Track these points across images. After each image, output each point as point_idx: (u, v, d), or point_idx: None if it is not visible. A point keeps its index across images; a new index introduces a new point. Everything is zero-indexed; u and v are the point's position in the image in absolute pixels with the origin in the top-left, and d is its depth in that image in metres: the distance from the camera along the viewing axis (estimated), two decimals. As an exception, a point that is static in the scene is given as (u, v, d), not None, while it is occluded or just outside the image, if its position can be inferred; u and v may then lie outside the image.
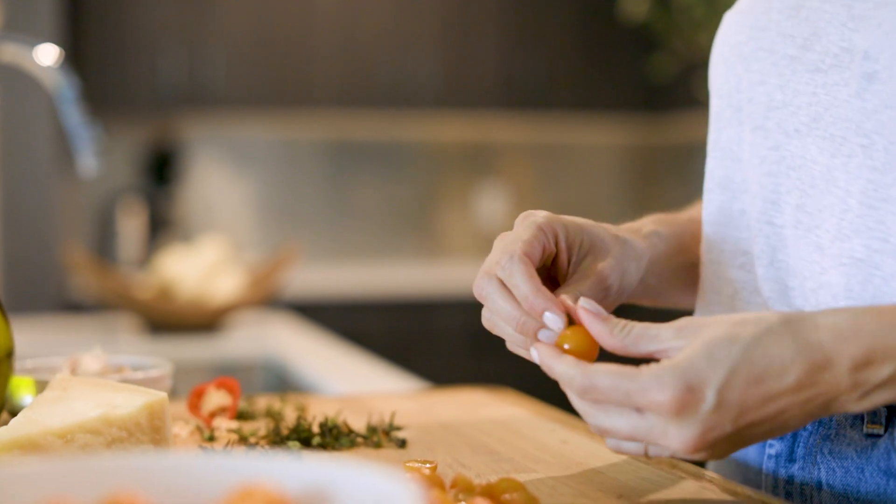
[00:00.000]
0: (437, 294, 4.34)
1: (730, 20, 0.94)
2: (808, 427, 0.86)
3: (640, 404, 0.71)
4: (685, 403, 0.70)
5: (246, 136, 4.78)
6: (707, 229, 0.94)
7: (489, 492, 0.70)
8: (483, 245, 5.03)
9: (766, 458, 0.89)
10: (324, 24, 4.51)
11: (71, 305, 3.82)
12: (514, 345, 0.83)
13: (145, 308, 2.36)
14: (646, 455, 0.73)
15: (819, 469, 0.85)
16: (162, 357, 1.13)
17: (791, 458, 0.87)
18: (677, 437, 0.71)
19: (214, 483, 0.52)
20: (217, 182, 4.77)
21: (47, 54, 1.75)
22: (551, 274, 0.87)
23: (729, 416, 0.71)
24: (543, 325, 0.78)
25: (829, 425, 0.85)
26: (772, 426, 0.73)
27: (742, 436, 0.72)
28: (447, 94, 4.65)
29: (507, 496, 0.70)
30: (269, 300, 2.81)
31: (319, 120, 4.62)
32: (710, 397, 0.70)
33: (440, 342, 4.33)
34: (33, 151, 3.76)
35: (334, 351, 2.22)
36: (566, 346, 0.76)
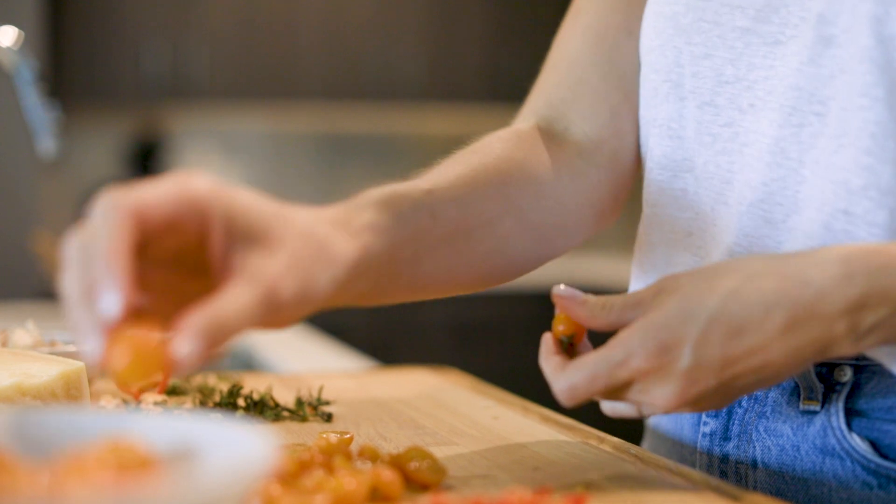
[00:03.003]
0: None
1: None
2: (744, 404, 0.84)
3: (624, 378, 0.69)
4: (661, 365, 0.68)
5: (231, 128, 4.76)
6: (647, 211, 0.90)
7: (396, 461, 0.69)
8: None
9: (700, 435, 0.88)
10: (309, 15, 4.49)
11: (52, 294, 3.80)
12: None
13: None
14: (640, 413, 0.72)
15: (754, 447, 0.83)
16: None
17: (726, 437, 0.85)
18: (660, 397, 0.69)
19: (81, 438, 0.51)
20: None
21: (6, 36, 1.73)
22: (198, 265, 0.64)
23: (711, 370, 0.68)
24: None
25: (764, 402, 0.83)
26: (761, 376, 0.69)
27: (731, 387, 0.70)
28: (433, 86, 4.64)
29: (413, 465, 0.69)
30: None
31: (305, 112, 4.60)
32: (686, 355, 0.68)
33: (424, 336, 4.32)
34: (17, 139, 3.74)
35: (301, 338, 2.21)
36: (560, 328, 0.75)
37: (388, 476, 0.65)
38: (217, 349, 0.59)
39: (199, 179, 0.62)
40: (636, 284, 0.94)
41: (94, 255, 0.58)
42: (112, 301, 0.56)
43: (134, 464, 0.48)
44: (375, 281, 0.72)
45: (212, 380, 1.08)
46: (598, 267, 4.36)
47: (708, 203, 0.85)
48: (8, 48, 1.71)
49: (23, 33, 1.76)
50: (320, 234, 0.67)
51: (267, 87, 4.47)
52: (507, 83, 4.68)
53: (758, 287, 0.68)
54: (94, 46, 4.30)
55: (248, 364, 2.13)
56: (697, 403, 0.70)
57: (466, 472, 0.73)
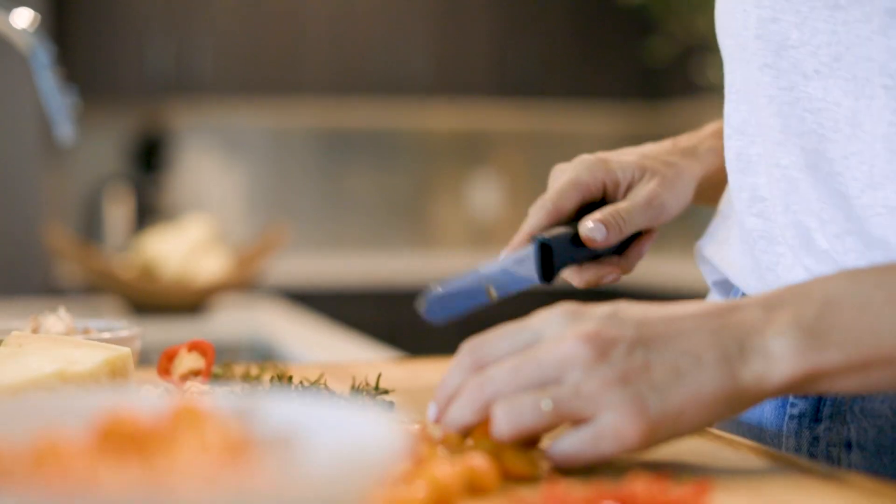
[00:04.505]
0: (429, 284, 4.27)
1: None
2: None
3: (533, 327, 0.65)
4: (578, 312, 0.64)
5: (235, 123, 4.70)
6: (729, 177, 0.88)
7: (489, 451, 0.63)
8: (476, 234, 4.96)
9: (787, 417, 0.83)
10: (314, 10, 4.43)
11: (57, 289, 3.74)
12: None
13: (128, 288, 2.29)
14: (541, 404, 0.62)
15: (848, 428, 0.78)
16: (146, 337, 1.05)
17: (816, 418, 0.80)
18: (573, 330, 0.63)
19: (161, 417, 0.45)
20: (206, 170, 4.69)
21: (23, 17, 1.67)
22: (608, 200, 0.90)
23: (628, 321, 0.63)
24: None
25: None
26: (678, 349, 0.62)
27: (648, 354, 0.62)
28: (440, 81, 4.58)
29: (507, 455, 0.63)
30: (254, 283, 2.74)
31: (310, 108, 4.54)
32: (604, 308, 0.65)
33: (431, 333, 4.25)
34: (20, 134, 3.68)
35: (321, 332, 2.15)
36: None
37: (483, 466, 0.59)
38: (615, 235, 0.86)
39: (578, 168, 0.89)
40: (716, 250, 0.93)
41: None
42: None
43: (225, 448, 0.42)
44: (709, 195, 0.96)
45: (254, 369, 1.02)
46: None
47: (767, 167, 0.83)
48: (23, 30, 1.65)
49: (38, 15, 1.70)
50: (676, 163, 0.92)
51: (271, 83, 4.41)
52: (515, 78, 4.63)
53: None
54: (99, 42, 4.24)
55: (268, 356, 2.07)
56: (609, 350, 0.62)
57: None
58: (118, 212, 4.29)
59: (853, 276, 0.67)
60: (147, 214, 4.36)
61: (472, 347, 0.67)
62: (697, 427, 0.64)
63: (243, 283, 2.39)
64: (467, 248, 4.96)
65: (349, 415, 0.42)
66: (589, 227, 0.86)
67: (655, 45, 4.11)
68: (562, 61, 4.68)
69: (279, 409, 0.44)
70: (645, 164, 0.90)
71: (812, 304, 0.64)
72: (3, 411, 0.45)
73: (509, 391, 0.63)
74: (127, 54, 4.27)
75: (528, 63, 4.64)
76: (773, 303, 0.65)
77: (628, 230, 0.87)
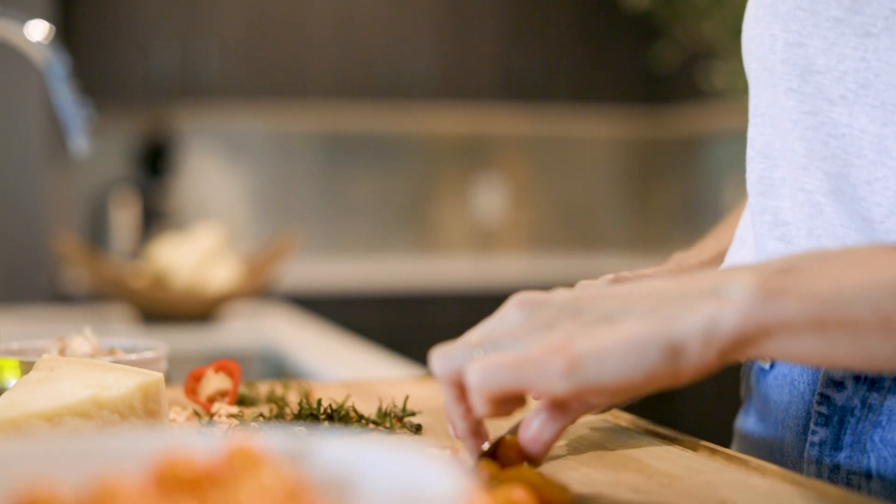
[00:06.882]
0: (433, 288, 4.27)
1: None
2: (857, 413, 0.80)
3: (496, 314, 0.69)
4: (528, 292, 0.69)
5: (240, 127, 4.71)
6: (749, 200, 0.88)
7: (519, 478, 0.64)
8: (479, 239, 4.96)
9: (808, 445, 0.84)
10: (319, 13, 4.44)
11: (63, 296, 3.75)
12: None
13: (139, 297, 2.29)
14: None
15: (869, 457, 0.79)
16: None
17: (837, 446, 0.81)
18: (514, 300, 0.68)
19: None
20: (211, 174, 4.70)
21: (37, 30, 1.68)
22: None
23: (567, 291, 0.68)
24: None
25: (879, 412, 0.79)
26: (612, 306, 0.65)
27: (581, 307, 0.65)
28: (444, 85, 4.58)
29: (539, 482, 0.63)
30: (264, 291, 2.74)
31: (314, 111, 4.55)
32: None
33: (436, 336, 4.25)
34: (26, 139, 3.68)
35: (333, 340, 2.15)
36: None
37: (523, 497, 0.60)
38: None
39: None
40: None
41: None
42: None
43: (282, 491, 0.43)
44: None
45: (279, 389, 1.02)
46: (601, 265, 4.31)
47: (791, 191, 0.83)
48: (38, 43, 1.66)
49: (53, 27, 1.71)
50: None
51: (276, 87, 4.42)
52: (520, 82, 4.63)
53: None
54: (104, 45, 4.25)
55: (280, 365, 2.08)
56: (540, 307, 0.67)
57: (592, 490, 0.68)
58: (124, 216, 4.30)
59: (817, 250, 0.69)
60: (153, 218, 4.37)
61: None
62: (628, 373, 0.61)
63: (254, 292, 2.40)
64: (470, 252, 4.96)
65: (406, 457, 0.43)
66: None
67: (660, 50, 4.11)
68: (566, 66, 4.69)
69: (335, 452, 0.44)
70: None
71: (774, 264, 0.64)
72: (61, 453, 0.46)
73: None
74: (132, 59, 4.27)
75: (532, 67, 4.64)
76: (732, 268, 0.66)
77: None
